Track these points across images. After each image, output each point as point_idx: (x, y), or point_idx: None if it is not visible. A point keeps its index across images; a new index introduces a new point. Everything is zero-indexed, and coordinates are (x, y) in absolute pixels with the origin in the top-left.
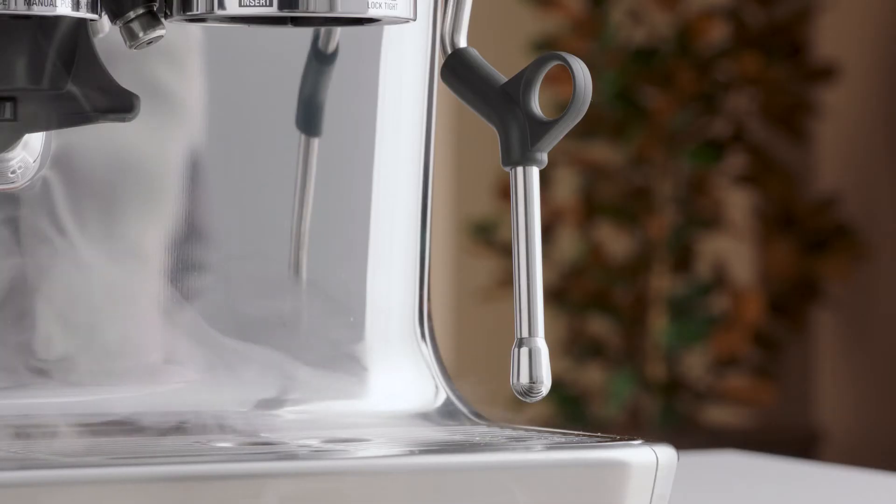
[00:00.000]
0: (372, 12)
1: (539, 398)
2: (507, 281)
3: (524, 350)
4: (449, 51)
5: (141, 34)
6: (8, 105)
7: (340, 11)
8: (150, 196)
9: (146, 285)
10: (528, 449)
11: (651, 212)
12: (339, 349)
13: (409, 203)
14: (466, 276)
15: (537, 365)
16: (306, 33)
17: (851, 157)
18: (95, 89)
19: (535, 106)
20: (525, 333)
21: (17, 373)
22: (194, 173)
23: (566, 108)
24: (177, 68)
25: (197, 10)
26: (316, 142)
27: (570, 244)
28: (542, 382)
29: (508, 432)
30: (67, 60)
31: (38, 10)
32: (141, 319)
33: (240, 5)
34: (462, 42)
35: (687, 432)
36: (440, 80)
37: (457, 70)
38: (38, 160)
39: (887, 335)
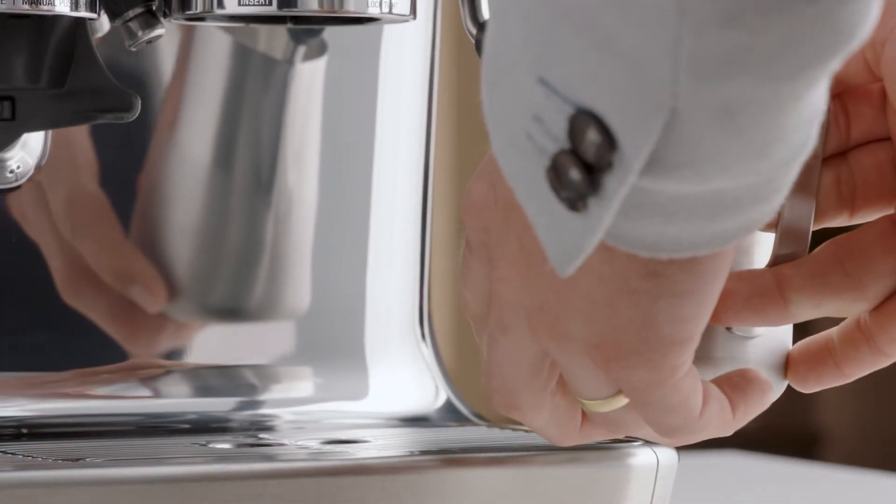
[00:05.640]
0: (372, 11)
1: None
2: None
3: None
4: (473, 31)
5: (140, 33)
6: (6, 104)
7: (340, 10)
8: (149, 197)
9: (142, 285)
10: (528, 450)
11: None
12: (338, 349)
13: (409, 203)
14: None
15: None
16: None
17: None
18: (94, 88)
19: None
20: None
21: (14, 374)
22: (192, 174)
23: None
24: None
25: (196, 9)
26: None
27: None
28: None
29: (509, 433)
30: (66, 59)
31: (36, 10)
32: (137, 320)
33: (239, 4)
34: (485, 16)
35: None
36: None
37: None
38: (37, 159)
39: None
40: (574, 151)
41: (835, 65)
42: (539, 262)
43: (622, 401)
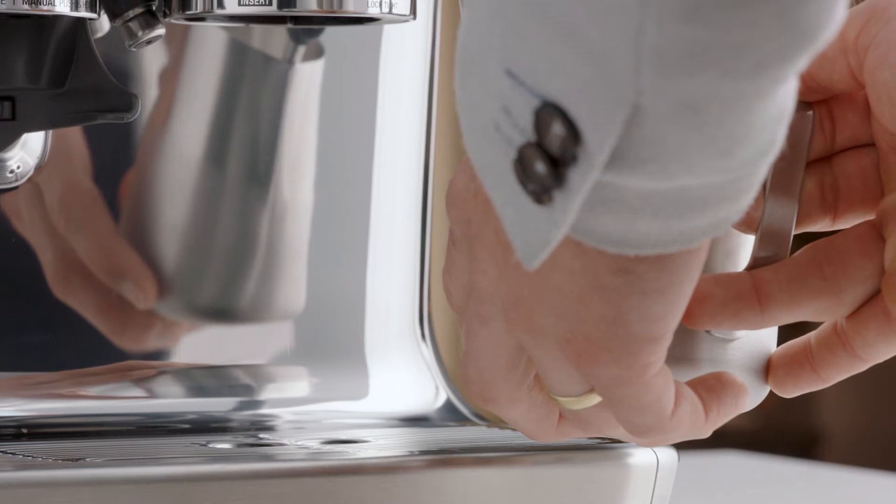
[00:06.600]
0: (372, 11)
1: None
2: None
3: None
4: None
5: (140, 33)
6: (6, 104)
7: (340, 10)
8: (148, 196)
9: (142, 286)
10: (528, 450)
11: None
12: (338, 349)
13: (409, 203)
14: None
15: None
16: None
17: None
18: (94, 89)
19: None
20: None
21: (14, 374)
22: (192, 173)
23: None
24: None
25: (196, 9)
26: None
27: None
28: None
29: (509, 433)
30: (66, 60)
31: (36, 9)
32: (136, 321)
33: (239, 4)
34: None
35: None
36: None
37: None
38: (37, 159)
39: None
40: (540, 144)
41: (800, 64)
42: (513, 254)
43: (595, 399)
